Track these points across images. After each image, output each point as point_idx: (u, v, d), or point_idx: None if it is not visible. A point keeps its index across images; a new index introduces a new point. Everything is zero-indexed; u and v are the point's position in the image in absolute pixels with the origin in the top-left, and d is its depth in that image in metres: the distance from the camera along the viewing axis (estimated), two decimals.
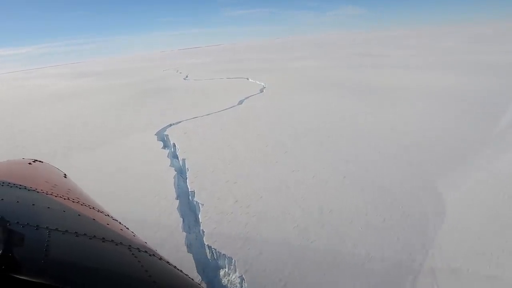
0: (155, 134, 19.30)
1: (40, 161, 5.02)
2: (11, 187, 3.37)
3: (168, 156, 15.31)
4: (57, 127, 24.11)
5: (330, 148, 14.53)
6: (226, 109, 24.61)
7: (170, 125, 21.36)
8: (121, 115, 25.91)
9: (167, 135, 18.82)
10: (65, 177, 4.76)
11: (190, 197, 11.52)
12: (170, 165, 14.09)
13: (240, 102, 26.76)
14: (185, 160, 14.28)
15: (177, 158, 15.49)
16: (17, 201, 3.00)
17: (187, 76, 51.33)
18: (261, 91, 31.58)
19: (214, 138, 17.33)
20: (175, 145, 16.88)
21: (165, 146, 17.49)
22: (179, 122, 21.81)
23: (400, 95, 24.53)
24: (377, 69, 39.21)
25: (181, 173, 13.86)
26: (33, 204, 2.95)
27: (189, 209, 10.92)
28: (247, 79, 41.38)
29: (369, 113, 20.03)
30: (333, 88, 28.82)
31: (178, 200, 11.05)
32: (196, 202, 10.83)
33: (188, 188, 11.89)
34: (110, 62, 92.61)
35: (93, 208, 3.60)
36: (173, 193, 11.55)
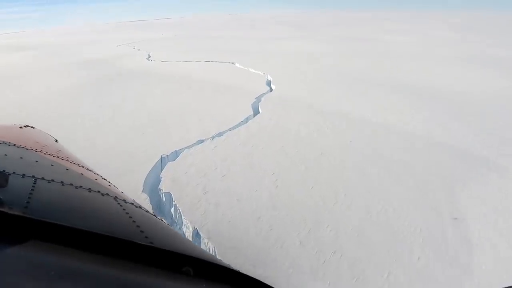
0: (143, 191, 10.15)
1: (31, 127, 4.79)
2: None
3: None
4: None
5: None
6: (241, 122, 15.86)
7: (162, 159, 12.28)
8: (71, 133, 15.12)
9: (170, 194, 9.80)
10: (56, 141, 4.60)
11: None
12: None
13: (256, 109, 18.03)
14: None
15: None
16: (5, 154, 2.85)
17: (149, 56, 39.71)
18: (270, 86, 22.89)
19: (282, 224, 8.78)
20: (199, 234, 8.12)
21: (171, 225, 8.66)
22: (176, 153, 12.76)
23: (485, 109, 17.90)
24: (393, 59, 32.71)
25: None
26: (21, 158, 2.87)
27: None
28: (233, 63, 32.21)
29: None
30: (378, 89, 21.25)
31: None
32: None
33: None
34: (51, 33, 74.53)
35: (82, 167, 3.38)
36: None
